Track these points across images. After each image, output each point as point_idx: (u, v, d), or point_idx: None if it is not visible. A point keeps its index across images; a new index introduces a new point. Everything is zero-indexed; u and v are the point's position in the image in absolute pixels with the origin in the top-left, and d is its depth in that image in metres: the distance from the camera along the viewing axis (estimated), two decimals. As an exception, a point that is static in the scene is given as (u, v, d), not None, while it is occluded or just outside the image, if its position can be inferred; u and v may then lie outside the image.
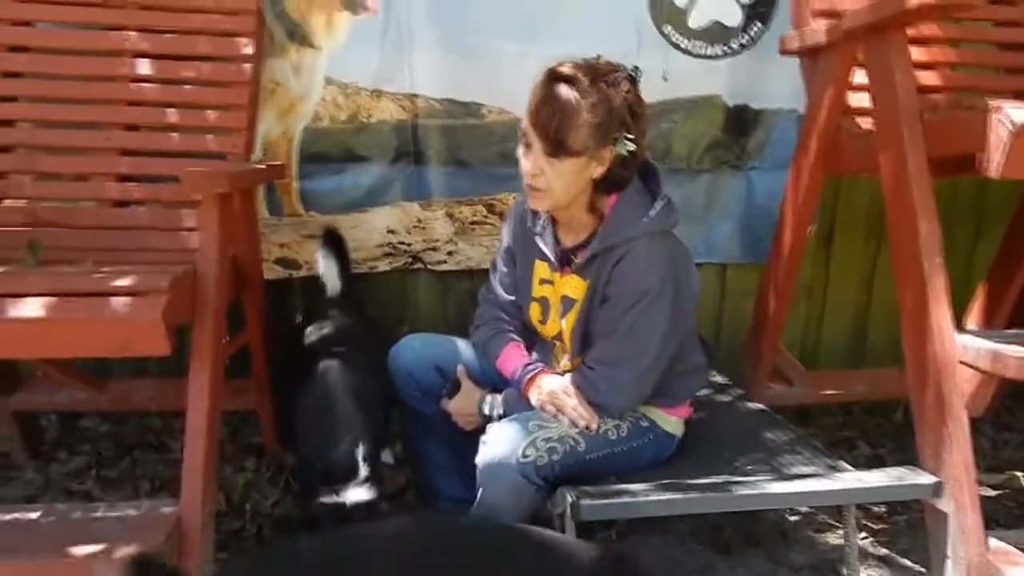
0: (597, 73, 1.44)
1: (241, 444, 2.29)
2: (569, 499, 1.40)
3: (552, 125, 1.42)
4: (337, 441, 1.64)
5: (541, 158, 1.47)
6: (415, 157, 2.33)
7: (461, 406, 1.70)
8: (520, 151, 1.52)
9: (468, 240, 2.40)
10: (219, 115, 2.02)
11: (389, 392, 1.78)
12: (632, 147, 1.46)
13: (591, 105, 1.42)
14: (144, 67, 2.02)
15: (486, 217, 2.40)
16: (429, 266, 2.42)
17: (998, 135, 1.40)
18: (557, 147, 1.44)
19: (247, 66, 2.03)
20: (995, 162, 1.41)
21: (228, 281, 1.69)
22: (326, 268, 2.09)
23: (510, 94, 2.29)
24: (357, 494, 1.60)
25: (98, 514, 1.45)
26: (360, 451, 1.63)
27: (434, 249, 2.40)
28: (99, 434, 2.35)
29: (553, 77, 1.44)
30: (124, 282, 1.50)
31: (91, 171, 2.02)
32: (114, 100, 2.02)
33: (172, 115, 2.02)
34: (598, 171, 1.49)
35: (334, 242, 2.13)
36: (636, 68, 1.49)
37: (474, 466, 1.54)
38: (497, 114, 2.33)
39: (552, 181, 1.47)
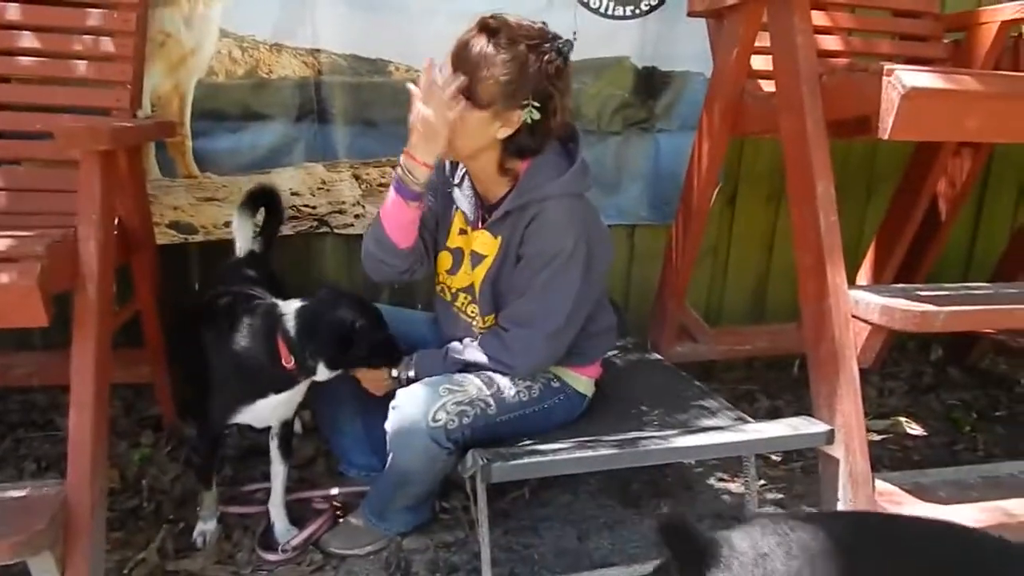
0: (522, 33, 1.41)
1: (136, 418, 2.18)
2: (480, 462, 1.39)
3: (462, 72, 1.40)
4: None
5: None
6: (319, 116, 2.23)
7: (370, 371, 1.66)
8: None
9: (376, 202, 2.33)
10: (101, 67, 1.88)
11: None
12: (537, 116, 1.44)
13: (504, 61, 1.40)
14: (17, 13, 1.85)
15: (395, 179, 2.34)
16: (335, 230, 2.34)
17: (889, 97, 1.45)
18: (464, 95, 1.41)
19: (132, 14, 1.88)
20: (886, 123, 1.47)
21: (114, 245, 1.58)
22: (238, 227, 1.94)
23: (418, 51, 2.22)
24: None
25: (-26, 497, 1.34)
26: None
27: (340, 212, 2.32)
28: (-23, 413, 2.19)
29: (479, 26, 1.43)
30: (-5, 247, 1.39)
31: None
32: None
33: (49, 66, 1.87)
34: (503, 132, 1.46)
35: (256, 200, 1.99)
36: (570, 42, 1.46)
37: (384, 433, 1.52)
38: (405, 71, 2.25)
39: (453, 127, 1.44)
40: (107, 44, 1.88)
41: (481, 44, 1.41)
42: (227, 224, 2.19)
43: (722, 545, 1.03)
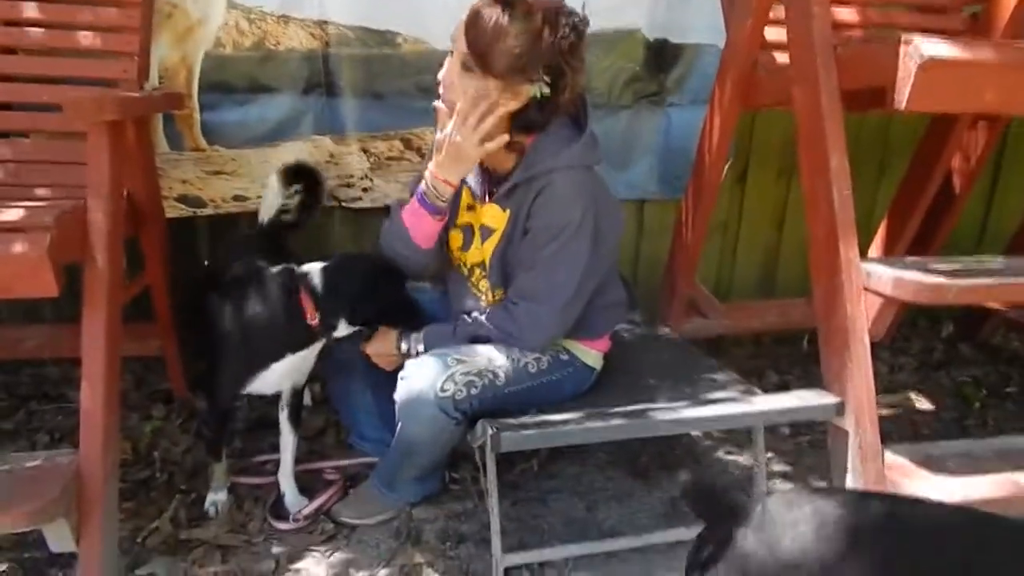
0: (540, 7, 1.38)
1: (147, 391, 2.20)
2: (489, 431, 1.40)
3: (473, 39, 1.39)
4: None
5: (456, 69, 1.43)
6: (327, 88, 2.21)
7: (379, 347, 1.66)
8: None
9: (384, 176, 2.32)
10: (108, 38, 1.87)
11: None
12: (546, 91, 1.42)
13: (517, 33, 1.37)
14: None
15: (403, 152, 2.32)
16: (343, 203, 2.33)
17: (907, 67, 1.42)
18: (472, 62, 1.40)
19: (139, -16, 1.87)
20: (902, 94, 1.44)
21: (123, 217, 1.58)
22: (266, 199, 1.93)
23: (427, 22, 2.19)
24: None
25: (-12, 467, 1.36)
26: None
27: (348, 186, 2.31)
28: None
29: None
30: (5, 218, 1.39)
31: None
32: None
33: (56, 37, 1.86)
34: (511, 104, 1.44)
35: (293, 177, 1.95)
36: (586, 19, 1.43)
37: (393, 405, 1.52)
38: (413, 43, 2.23)
39: (459, 96, 1.43)
40: (114, 15, 1.87)
41: (496, 14, 1.38)
42: (236, 198, 2.19)
43: (756, 506, 1.03)
